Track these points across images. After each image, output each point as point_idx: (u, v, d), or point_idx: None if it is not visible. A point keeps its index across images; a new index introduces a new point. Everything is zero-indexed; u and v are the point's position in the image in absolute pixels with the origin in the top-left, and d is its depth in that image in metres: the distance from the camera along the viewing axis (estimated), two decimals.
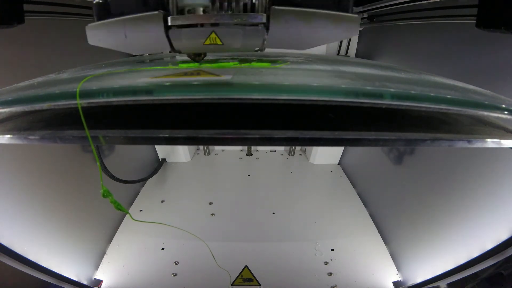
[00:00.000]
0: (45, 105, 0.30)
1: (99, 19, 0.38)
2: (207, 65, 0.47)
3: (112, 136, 0.32)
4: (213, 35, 0.37)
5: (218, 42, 0.37)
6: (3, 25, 0.60)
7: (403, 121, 0.36)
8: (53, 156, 0.95)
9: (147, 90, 0.29)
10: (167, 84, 0.30)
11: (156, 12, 0.35)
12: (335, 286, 1.01)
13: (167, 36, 0.36)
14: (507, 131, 0.38)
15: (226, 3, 0.36)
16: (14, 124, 0.38)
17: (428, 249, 0.96)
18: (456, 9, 0.80)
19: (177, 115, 0.35)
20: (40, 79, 0.47)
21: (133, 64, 0.53)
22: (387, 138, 0.31)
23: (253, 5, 0.36)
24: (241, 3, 0.36)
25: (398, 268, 1.08)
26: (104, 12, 0.38)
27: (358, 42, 1.54)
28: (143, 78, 0.32)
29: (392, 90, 0.29)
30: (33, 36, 0.84)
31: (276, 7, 0.34)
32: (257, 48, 0.40)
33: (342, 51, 1.56)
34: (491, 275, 0.76)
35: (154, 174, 1.61)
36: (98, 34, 0.39)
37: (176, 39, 0.37)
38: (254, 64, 0.49)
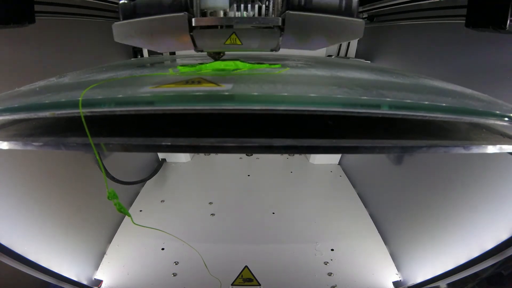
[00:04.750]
0: (48, 113, 0.31)
1: (125, 18, 0.41)
2: (208, 65, 0.48)
3: (115, 143, 0.33)
4: (233, 35, 0.40)
5: (238, 42, 0.41)
6: (15, 24, 0.60)
7: (401, 126, 0.37)
8: (53, 157, 0.95)
9: (149, 101, 0.29)
10: (169, 95, 0.30)
11: (182, 13, 0.37)
12: (335, 286, 1.02)
13: (191, 36, 0.40)
14: (504, 136, 0.39)
15: (242, 7, 0.41)
16: (17, 130, 0.39)
17: (428, 249, 0.97)
18: (457, 9, 0.80)
19: (179, 122, 0.35)
20: (41, 83, 0.48)
21: (134, 69, 0.53)
22: (383, 146, 0.32)
23: (267, 8, 0.41)
24: (256, 7, 0.41)
25: (398, 268, 1.09)
26: (130, 12, 0.41)
27: (358, 42, 1.54)
28: (145, 87, 0.33)
29: (388, 99, 0.29)
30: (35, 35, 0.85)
31: (291, 12, 0.37)
32: (272, 48, 0.44)
33: (342, 51, 1.56)
34: (491, 275, 0.76)
35: (154, 175, 1.62)
36: (124, 32, 0.42)
37: (199, 39, 0.41)
38: (255, 66, 0.50)
